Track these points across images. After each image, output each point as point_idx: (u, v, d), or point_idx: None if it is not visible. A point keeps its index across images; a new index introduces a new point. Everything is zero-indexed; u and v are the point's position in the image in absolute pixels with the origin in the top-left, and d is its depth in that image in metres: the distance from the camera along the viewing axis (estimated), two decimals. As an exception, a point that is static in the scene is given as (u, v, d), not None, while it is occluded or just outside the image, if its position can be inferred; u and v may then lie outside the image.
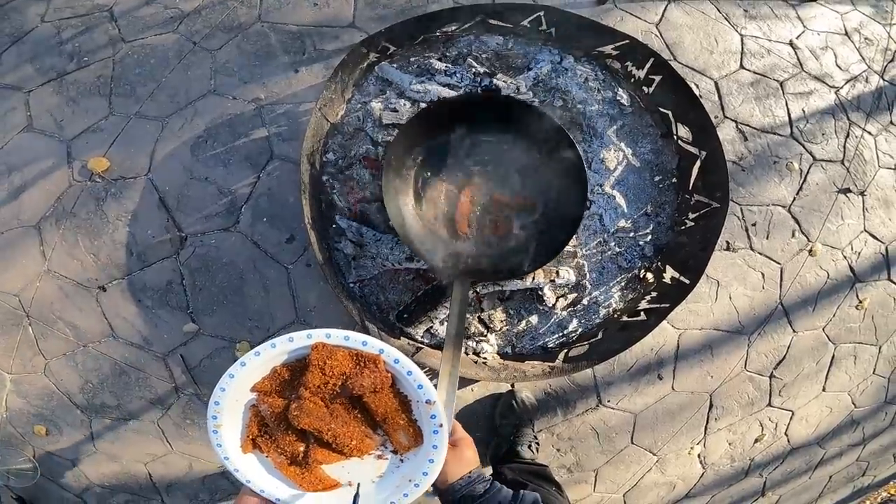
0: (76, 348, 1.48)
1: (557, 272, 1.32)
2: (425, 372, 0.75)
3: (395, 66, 1.37)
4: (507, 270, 1.26)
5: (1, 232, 1.44)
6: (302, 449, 0.74)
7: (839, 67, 1.79)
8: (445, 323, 1.32)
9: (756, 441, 1.82)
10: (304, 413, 0.70)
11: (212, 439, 0.73)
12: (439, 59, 1.38)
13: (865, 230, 1.74)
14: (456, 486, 0.72)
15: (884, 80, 1.82)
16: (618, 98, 1.44)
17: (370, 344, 0.71)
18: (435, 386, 0.76)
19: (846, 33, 1.83)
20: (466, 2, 1.52)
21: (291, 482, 0.75)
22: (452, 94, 1.32)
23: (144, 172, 1.42)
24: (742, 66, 1.69)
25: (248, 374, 0.72)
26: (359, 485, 0.75)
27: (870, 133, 1.77)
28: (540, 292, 1.33)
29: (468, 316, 1.33)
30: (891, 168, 1.78)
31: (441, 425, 0.72)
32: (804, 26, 1.79)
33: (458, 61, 1.39)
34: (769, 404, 1.76)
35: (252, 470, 0.74)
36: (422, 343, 1.30)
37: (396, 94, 1.35)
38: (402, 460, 0.77)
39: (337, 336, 0.71)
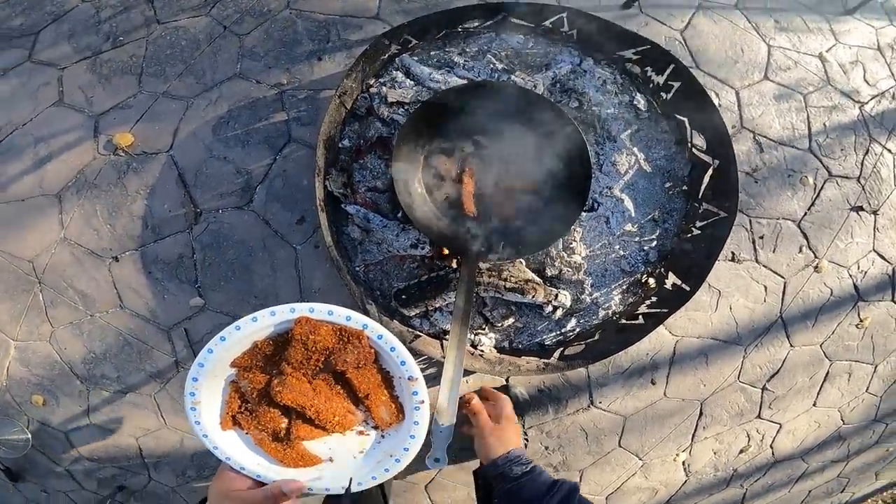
0: (84, 317, 1.48)
1: (556, 295, 1.30)
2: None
3: (415, 58, 1.36)
4: (515, 251, 1.25)
5: (22, 199, 1.45)
6: (284, 425, 0.72)
7: (867, 83, 1.71)
8: (448, 306, 1.32)
9: (741, 452, 1.81)
10: (287, 389, 0.68)
11: (189, 416, 0.69)
12: (459, 54, 1.36)
13: (874, 250, 1.69)
14: (498, 462, 0.70)
15: (914, 97, 1.73)
16: (635, 103, 1.40)
17: (354, 319, 0.68)
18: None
19: (879, 48, 1.75)
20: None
21: (272, 458, 0.72)
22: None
23: (166, 149, 1.42)
24: (766, 77, 1.62)
25: (228, 348, 0.69)
26: (351, 479, 0.72)
27: (890, 151, 1.70)
28: (540, 310, 1.34)
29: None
30: (908, 188, 1.71)
31: (423, 402, 0.70)
32: (836, 39, 1.71)
33: (477, 57, 1.36)
34: (758, 416, 1.75)
35: (231, 447, 0.71)
36: (420, 331, 1.30)
37: (403, 74, 1.33)
38: (383, 436, 0.75)
39: (321, 311, 0.68)
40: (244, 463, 0.70)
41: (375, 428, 0.75)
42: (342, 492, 0.69)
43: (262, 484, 0.68)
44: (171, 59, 1.42)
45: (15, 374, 1.54)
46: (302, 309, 0.67)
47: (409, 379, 0.70)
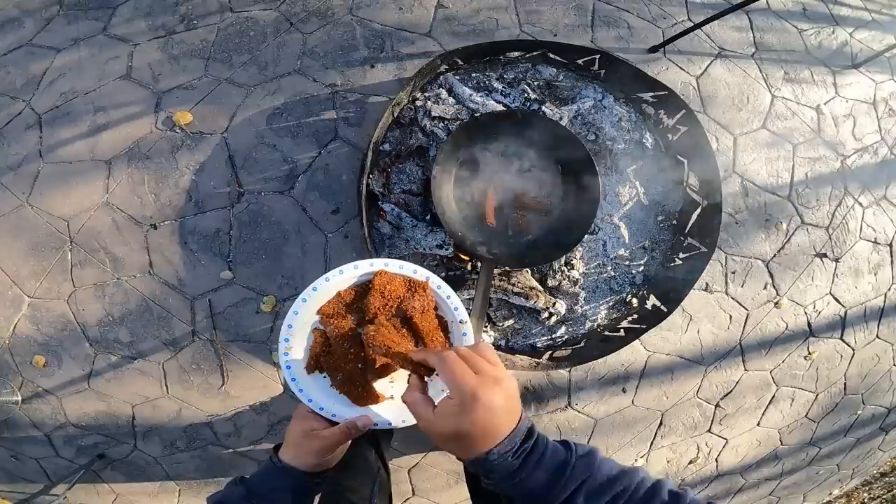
0: (109, 280, 1.48)
1: (554, 303, 1.47)
2: None
3: (457, 77, 1.49)
4: (524, 261, 1.40)
5: (70, 162, 1.46)
6: (360, 366, 0.78)
7: (854, 136, 1.84)
8: (462, 302, 1.50)
9: (690, 462, 1.97)
10: (379, 333, 0.74)
11: (282, 361, 0.77)
12: (498, 80, 1.50)
13: (831, 293, 1.86)
14: (488, 459, 0.54)
15: (893, 153, 1.87)
16: (643, 140, 1.55)
17: (419, 272, 0.80)
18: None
19: (873, 102, 1.86)
20: (530, 34, 1.60)
21: (345, 398, 0.79)
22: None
23: (221, 131, 1.47)
24: (764, 126, 1.75)
25: (317, 298, 0.77)
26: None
27: (861, 205, 1.85)
28: (537, 315, 1.51)
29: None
30: (870, 241, 1.88)
31: (471, 342, 0.81)
32: (836, 92, 1.83)
33: (513, 84, 1.50)
34: (709, 430, 1.91)
35: (313, 390, 0.78)
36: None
37: (446, 91, 1.46)
38: (436, 374, 0.82)
39: (393, 265, 0.79)
40: (323, 403, 0.77)
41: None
42: (402, 424, 0.78)
43: (335, 423, 0.75)
44: (239, 47, 1.49)
45: (22, 331, 1.51)
46: (379, 263, 0.79)
47: (460, 322, 0.80)
